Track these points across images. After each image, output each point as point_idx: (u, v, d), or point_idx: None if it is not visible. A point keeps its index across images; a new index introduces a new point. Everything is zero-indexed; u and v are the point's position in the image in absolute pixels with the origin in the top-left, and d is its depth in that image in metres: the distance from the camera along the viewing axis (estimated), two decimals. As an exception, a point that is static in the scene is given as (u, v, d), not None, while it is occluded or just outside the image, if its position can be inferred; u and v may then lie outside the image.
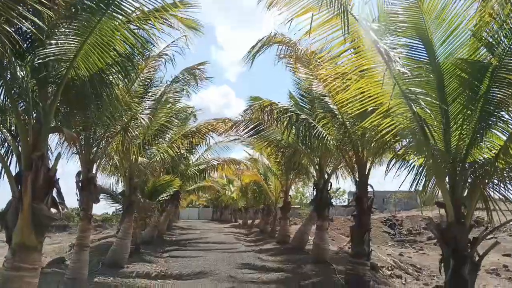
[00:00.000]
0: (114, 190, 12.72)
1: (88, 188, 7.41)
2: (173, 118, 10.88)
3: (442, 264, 5.14)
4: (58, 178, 4.63)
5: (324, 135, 8.60)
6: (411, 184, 5.68)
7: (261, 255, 14.01)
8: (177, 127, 11.63)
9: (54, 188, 4.61)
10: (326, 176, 11.62)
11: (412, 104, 4.82)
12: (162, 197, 14.01)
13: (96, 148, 7.75)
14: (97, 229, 42.30)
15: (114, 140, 8.27)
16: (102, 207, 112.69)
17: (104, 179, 13.52)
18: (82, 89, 5.18)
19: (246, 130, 10.45)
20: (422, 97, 4.87)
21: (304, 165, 15.80)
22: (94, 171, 7.75)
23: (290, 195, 18.01)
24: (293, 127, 9.28)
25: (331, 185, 11.66)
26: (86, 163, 7.52)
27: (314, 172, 14.58)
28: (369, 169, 8.39)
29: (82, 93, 5.22)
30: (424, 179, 5.49)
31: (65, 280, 7.01)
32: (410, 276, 15.18)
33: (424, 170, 5.45)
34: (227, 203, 43.96)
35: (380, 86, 5.10)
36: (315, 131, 8.64)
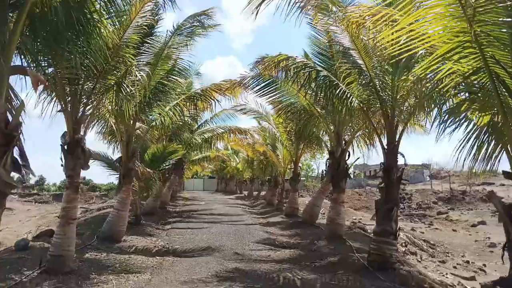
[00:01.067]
0: (110, 158, 11.71)
1: (74, 151, 6.35)
2: (175, 77, 9.67)
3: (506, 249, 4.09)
4: (20, 134, 3.52)
5: (347, 94, 7.42)
6: (460, 150, 4.57)
7: (269, 228, 13.14)
8: (179, 87, 10.43)
9: (16, 147, 3.52)
10: (343, 144, 10.49)
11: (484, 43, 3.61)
12: (163, 166, 13.03)
13: (84, 105, 6.62)
14: (103, 199, 42.10)
15: (106, 97, 7.14)
16: (107, 177, 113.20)
17: (103, 147, 12.54)
18: (53, 21, 4.00)
19: (257, 88, 9.23)
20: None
21: (316, 134, 14.71)
22: (82, 132, 6.65)
23: (300, 166, 16.95)
24: (312, 85, 8.10)
25: (349, 155, 10.56)
26: (72, 123, 6.42)
27: (329, 140, 13.47)
28: (401, 134, 7.22)
29: (54, 25, 4.04)
30: (486, 143, 4.36)
31: (48, 258, 6.06)
32: (424, 252, 14.35)
33: (488, 132, 4.31)
34: (232, 174, 43.31)
35: (439, 21, 3.87)
36: (338, 90, 7.45)
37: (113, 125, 9.50)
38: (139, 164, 11.33)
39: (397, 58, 4.90)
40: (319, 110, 10.22)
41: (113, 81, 7.00)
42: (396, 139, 7.24)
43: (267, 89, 9.37)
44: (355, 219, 19.85)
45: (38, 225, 19.80)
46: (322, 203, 13.74)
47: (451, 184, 38.76)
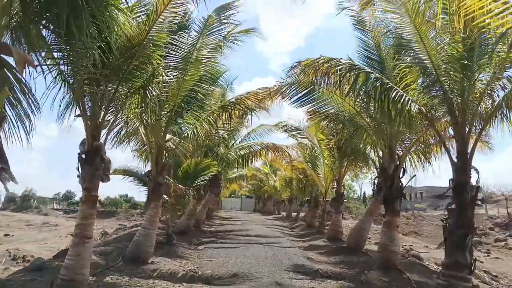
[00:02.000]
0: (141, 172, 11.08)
1: (92, 161, 5.64)
2: (207, 85, 8.95)
3: None
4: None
5: (405, 98, 6.25)
6: None
7: (309, 253, 11.85)
8: (212, 96, 9.70)
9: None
10: (397, 160, 9.19)
11: None
12: (197, 183, 12.24)
13: (105, 109, 5.94)
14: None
15: (131, 101, 6.46)
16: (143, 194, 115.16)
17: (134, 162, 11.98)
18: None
19: (296, 98, 8.26)
20: None
21: (361, 149, 13.42)
22: (102, 140, 5.96)
23: (343, 185, 15.60)
24: (360, 91, 7.02)
25: (403, 172, 9.22)
26: (91, 129, 5.75)
27: (377, 156, 12.15)
28: (474, 145, 5.93)
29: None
30: None
31: (58, 282, 5.29)
32: (487, 285, 12.44)
33: None
34: (270, 194, 42.11)
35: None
36: (393, 93, 6.31)
37: (143, 136, 8.85)
38: (171, 180, 10.62)
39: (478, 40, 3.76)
40: (367, 120, 9.05)
41: (139, 84, 6.29)
42: (469, 150, 5.94)
43: (306, 98, 8.42)
44: (405, 245, 18.00)
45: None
46: (370, 226, 12.29)
47: (508, 209, 35.20)
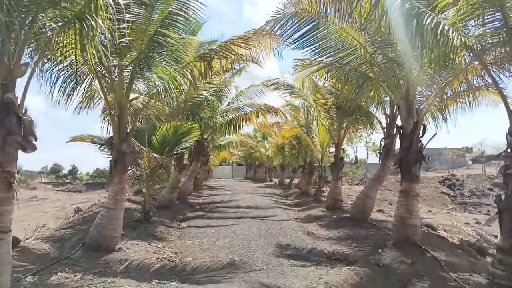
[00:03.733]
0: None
1: (2, 122, 3.84)
2: (180, 27, 7.02)
3: None
4: None
5: (444, 26, 4.51)
6: None
7: (309, 226, 10.41)
8: (189, 46, 7.80)
9: None
10: (416, 115, 7.50)
11: None
12: (176, 151, 10.50)
13: (19, 47, 4.06)
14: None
15: (65, 38, 4.56)
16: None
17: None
18: None
19: (297, 36, 6.39)
20: None
21: (363, 108, 11.76)
22: (21, 93, 4.12)
23: (343, 149, 14.02)
24: (382, 19, 5.23)
25: (424, 130, 7.56)
26: (1, 76, 3.91)
27: (386, 113, 10.51)
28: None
29: None
30: None
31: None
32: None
33: None
34: (261, 161, 40.74)
35: None
36: (428, 19, 4.56)
37: (100, 92, 6.99)
38: (143, 149, 8.86)
39: None
40: (382, 65, 7.28)
41: (74, 12, 4.38)
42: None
43: (309, 36, 6.54)
44: (426, 217, 16.73)
45: (55, 219, 18.02)
46: (377, 194, 10.83)
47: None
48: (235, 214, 12.09)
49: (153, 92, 7.52)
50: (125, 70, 6.99)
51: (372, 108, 11.91)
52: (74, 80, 6.52)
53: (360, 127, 13.96)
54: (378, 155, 10.82)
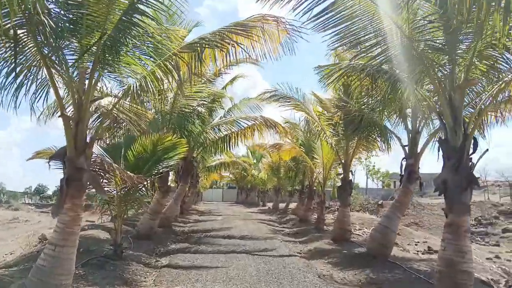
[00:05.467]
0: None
1: None
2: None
3: None
4: None
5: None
6: None
7: (318, 265, 8.53)
8: (172, 34, 6.12)
9: None
10: (465, 126, 5.82)
11: None
12: (156, 170, 8.62)
13: None
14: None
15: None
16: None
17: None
18: None
19: (316, 12, 4.70)
20: None
21: (377, 123, 10.14)
22: None
23: (351, 171, 12.29)
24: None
25: (476, 145, 5.86)
26: None
27: (408, 128, 8.85)
28: None
29: None
30: None
31: None
32: None
33: None
34: (254, 184, 38.75)
35: None
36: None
37: (51, 84, 5.19)
38: (113, 165, 6.97)
39: None
40: (425, 55, 5.62)
41: None
42: None
43: (331, 15, 4.86)
44: (417, 242, 14.94)
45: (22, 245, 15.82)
46: (398, 225, 9.01)
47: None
48: (227, 248, 10.09)
49: (126, 89, 5.69)
50: (85, 57, 5.22)
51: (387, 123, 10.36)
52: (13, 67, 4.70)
53: (370, 146, 12.29)
54: (400, 178, 9.08)
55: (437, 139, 9.11)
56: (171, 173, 15.13)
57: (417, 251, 12.02)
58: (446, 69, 5.74)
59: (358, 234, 14.00)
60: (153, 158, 8.34)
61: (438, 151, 6.01)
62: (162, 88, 6.99)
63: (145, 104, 10.57)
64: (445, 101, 5.86)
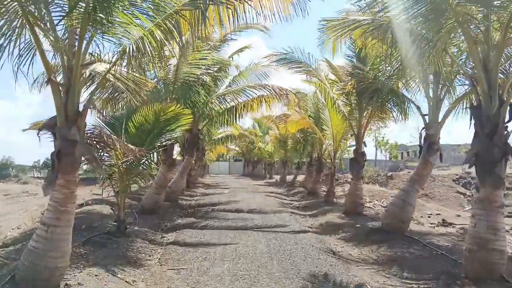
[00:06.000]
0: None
1: None
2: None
3: None
4: None
5: None
6: None
7: (331, 240, 8.14)
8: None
9: None
10: (501, 92, 5.18)
11: None
12: (162, 142, 8.12)
13: None
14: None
15: None
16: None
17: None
18: None
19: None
20: None
21: (396, 91, 9.51)
22: None
23: (364, 142, 11.71)
24: None
25: (512, 112, 5.24)
26: None
27: (428, 95, 8.17)
28: None
29: None
30: None
31: None
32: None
33: None
34: (260, 156, 38.37)
35: None
36: None
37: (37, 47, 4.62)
38: (114, 138, 6.46)
39: None
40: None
41: None
42: None
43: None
44: (430, 214, 14.47)
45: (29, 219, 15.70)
46: (415, 198, 8.49)
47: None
48: (235, 223, 9.71)
49: (121, 52, 5.08)
50: (74, 15, 4.61)
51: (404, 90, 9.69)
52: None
53: (385, 116, 11.64)
54: (418, 149, 8.51)
55: (463, 106, 8.53)
56: (176, 146, 14.69)
57: (432, 224, 11.58)
58: (482, 25, 5.03)
59: (369, 207, 13.58)
60: (156, 130, 7.83)
61: (470, 119, 5.39)
62: (162, 52, 6.37)
63: (146, 72, 10.01)
64: (479, 63, 5.20)
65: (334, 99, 11.67)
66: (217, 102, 12.47)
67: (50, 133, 4.82)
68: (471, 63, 6.25)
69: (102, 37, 4.88)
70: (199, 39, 8.78)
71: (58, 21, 4.58)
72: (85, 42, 4.83)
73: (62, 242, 4.65)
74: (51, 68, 4.65)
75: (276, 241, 7.55)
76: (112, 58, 5.28)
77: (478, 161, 5.22)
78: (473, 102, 5.61)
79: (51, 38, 4.51)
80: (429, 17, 5.29)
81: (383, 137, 47.92)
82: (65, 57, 4.68)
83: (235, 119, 13.72)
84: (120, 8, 4.72)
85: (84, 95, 5.35)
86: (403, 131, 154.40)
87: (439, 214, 14.78)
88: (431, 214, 14.47)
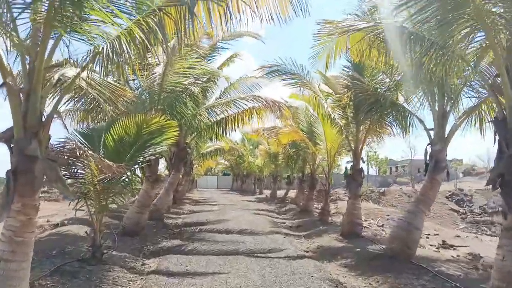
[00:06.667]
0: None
1: None
2: None
3: None
4: None
5: None
6: None
7: (330, 268, 7.39)
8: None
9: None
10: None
11: None
12: (140, 158, 7.31)
13: None
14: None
15: None
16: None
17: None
18: None
19: None
20: None
21: (396, 104, 8.98)
22: None
23: (362, 158, 11.07)
24: None
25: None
26: None
27: (434, 108, 7.59)
28: None
29: None
30: None
31: None
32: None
33: None
34: (250, 171, 37.58)
35: None
36: None
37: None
38: (88, 152, 5.66)
39: None
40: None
41: None
42: None
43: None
44: (428, 235, 13.79)
45: None
46: (423, 221, 7.81)
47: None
48: (226, 246, 8.87)
49: (93, 54, 4.33)
50: (37, 8, 3.88)
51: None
52: None
53: (383, 130, 11.07)
54: (424, 167, 7.89)
55: (471, 120, 7.97)
56: (162, 161, 13.89)
57: (432, 246, 10.94)
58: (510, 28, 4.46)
59: (366, 226, 12.88)
60: (138, 144, 7.03)
61: (495, 135, 4.77)
62: (145, 57, 5.67)
63: (129, 81, 9.27)
64: (504, 71, 4.60)
65: (328, 112, 11.08)
66: (206, 114, 11.75)
67: (7, 147, 4.03)
68: (488, 72, 5.69)
69: (70, 35, 4.14)
70: (187, 46, 8.10)
71: (18, 13, 3.84)
72: (51, 41, 4.11)
73: (17, 280, 3.82)
74: (7, 70, 3.88)
75: (271, 270, 6.76)
76: (84, 61, 4.52)
77: (504, 183, 4.58)
78: (496, 114, 4.96)
79: (8, 33, 3.75)
80: (446, 20, 4.70)
81: (375, 152, 47.66)
82: (25, 57, 3.93)
83: (225, 133, 13.02)
84: (93, 1, 4.00)
85: (53, 104, 4.60)
86: (396, 146, 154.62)
87: (437, 234, 14.17)
88: (429, 234, 13.83)
